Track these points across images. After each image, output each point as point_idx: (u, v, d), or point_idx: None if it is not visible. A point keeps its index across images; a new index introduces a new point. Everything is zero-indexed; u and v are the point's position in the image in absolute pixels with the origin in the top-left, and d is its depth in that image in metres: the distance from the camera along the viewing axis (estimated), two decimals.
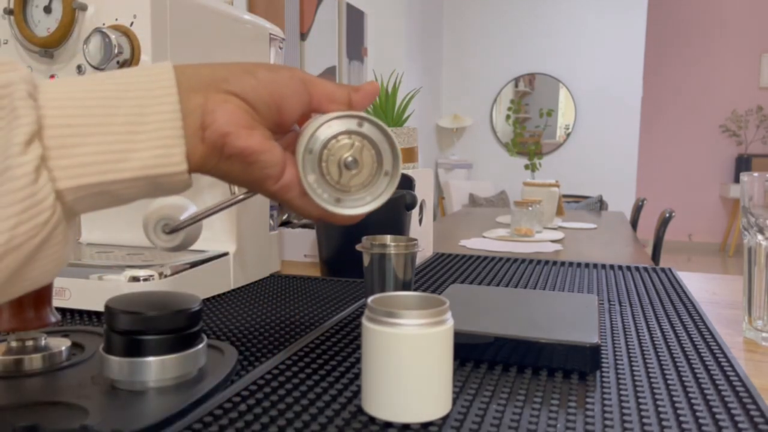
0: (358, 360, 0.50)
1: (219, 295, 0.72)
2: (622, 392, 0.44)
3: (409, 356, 0.37)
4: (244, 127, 0.36)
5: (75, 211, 0.33)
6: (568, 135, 4.89)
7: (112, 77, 0.33)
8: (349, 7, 3.31)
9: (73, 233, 0.35)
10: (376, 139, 0.41)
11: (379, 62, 3.67)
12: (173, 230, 0.45)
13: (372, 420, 0.38)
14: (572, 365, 0.47)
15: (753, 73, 5.55)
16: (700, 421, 0.39)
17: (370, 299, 0.40)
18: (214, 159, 0.36)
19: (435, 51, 4.91)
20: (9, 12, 0.55)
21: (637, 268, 0.90)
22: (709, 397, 0.43)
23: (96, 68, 0.51)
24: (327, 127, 0.39)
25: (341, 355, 0.51)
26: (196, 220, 0.46)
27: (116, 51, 0.51)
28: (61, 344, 0.47)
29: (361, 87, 0.41)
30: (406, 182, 0.88)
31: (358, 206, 0.41)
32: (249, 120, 0.37)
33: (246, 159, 0.37)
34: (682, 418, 0.39)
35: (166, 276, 0.63)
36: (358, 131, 0.40)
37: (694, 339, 0.57)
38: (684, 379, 0.47)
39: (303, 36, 2.80)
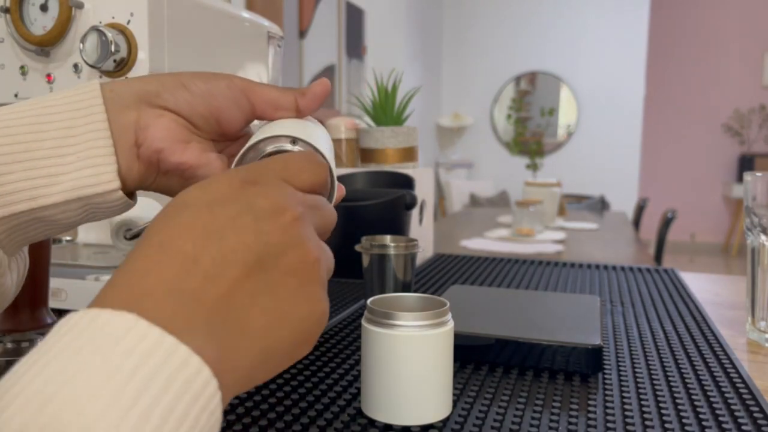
0: (358, 362, 0.49)
1: None
2: (624, 394, 0.43)
3: (409, 358, 0.37)
4: (178, 142, 0.35)
5: (13, 242, 0.32)
6: (569, 134, 4.89)
7: (38, 102, 0.33)
8: (349, 5, 3.30)
9: (16, 265, 0.34)
10: None
11: (378, 60, 3.67)
12: (134, 236, 0.44)
13: (372, 423, 0.38)
14: (574, 367, 0.47)
15: (756, 71, 5.53)
16: (703, 423, 0.38)
17: (369, 300, 0.39)
18: (152, 175, 0.35)
19: (435, 49, 4.90)
20: (5, 10, 0.55)
21: (639, 269, 0.89)
22: (711, 399, 0.42)
23: (93, 66, 0.51)
24: (254, 152, 0.35)
25: (340, 357, 0.50)
26: None
27: (113, 49, 0.50)
28: None
29: (308, 89, 0.38)
30: (406, 182, 0.88)
31: None
32: (184, 134, 0.35)
33: (183, 174, 0.35)
34: (684, 420, 0.39)
35: None
36: (289, 151, 0.35)
37: (697, 340, 0.57)
38: (687, 380, 0.46)
39: (302, 34, 2.80)
